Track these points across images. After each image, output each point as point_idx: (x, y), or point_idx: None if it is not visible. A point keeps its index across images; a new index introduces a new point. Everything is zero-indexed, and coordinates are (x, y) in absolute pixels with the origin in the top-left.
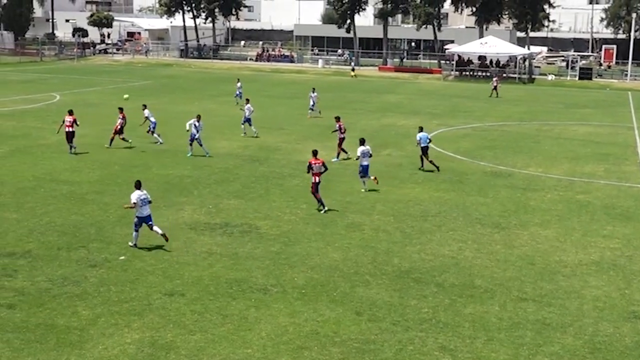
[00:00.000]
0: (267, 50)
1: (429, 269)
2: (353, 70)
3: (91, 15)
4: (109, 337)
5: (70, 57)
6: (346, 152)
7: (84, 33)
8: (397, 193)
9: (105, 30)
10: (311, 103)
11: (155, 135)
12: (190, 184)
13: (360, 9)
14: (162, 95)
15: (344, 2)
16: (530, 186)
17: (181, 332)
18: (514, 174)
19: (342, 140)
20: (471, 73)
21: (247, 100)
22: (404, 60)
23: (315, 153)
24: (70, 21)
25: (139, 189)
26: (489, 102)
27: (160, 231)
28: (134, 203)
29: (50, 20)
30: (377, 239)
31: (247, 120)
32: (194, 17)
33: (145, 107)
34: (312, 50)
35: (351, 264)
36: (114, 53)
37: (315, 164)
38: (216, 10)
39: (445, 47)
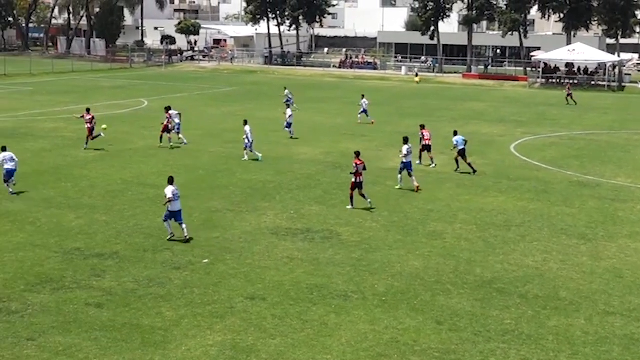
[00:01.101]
0: (351, 57)
1: (512, 279)
2: (417, 75)
3: (179, 23)
4: (191, 339)
5: (159, 64)
6: (432, 160)
7: (172, 40)
8: (479, 202)
9: (192, 38)
10: (361, 109)
11: (180, 136)
12: (272, 189)
13: (445, 16)
14: (246, 102)
15: (428, 9)
16: (618, 197)
17: (262, 336)
18: (601, 184)
19: (424, 147)
20: (558, 81)
21: (288, 106)
22: (489, 67)
23: (357, 154)
24: (159, 29)
25: (171, 184)
26: (576, 111)
27: (186, 233)
28: (169, 198)
29: (140, 28)
30: (459, 248)
31: (289, 125)
32: (279, 25)
33: (169, 108)
34: (396, 57)
35: (432, 272)
36: (201, 60)
37: (359, 164)
38: (300, 17)
39: (532, 54)
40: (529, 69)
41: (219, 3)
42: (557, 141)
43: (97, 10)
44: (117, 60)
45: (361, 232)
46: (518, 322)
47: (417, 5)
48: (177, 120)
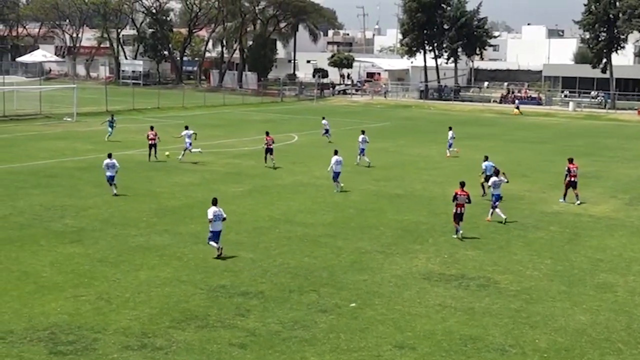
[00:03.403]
0: (513, 92)
1: None
2: (517, 108)
3: (332, 56)
4: None
5: (310, 98)
6: (577, 197)
7: (324, 74)
8: None
9: (345, 71)
10: (450, 143)
11: (183, 152)
12: (425, 230)
13: (619, 47)
14: (398, 137)
15: (600, 39)
16: None
17: None
18: None
19: (570, 183)
20: None
21: (363, 132)
22: None
23: (462, 185)
24: (311, 62)
25: (214, 205)
26: None
27: (220, 252)
28: (210, 219)
29: (292, 61)
30: (633, 303)
31: (362, 151)
32: (436, 57)
33: (186, 127)
34: (562, 91)
35: (601, 328)
36: (353, 94)
37: (460, 195)
38: (459, 49)
39: None
40: None
41: (373, 35)
42: None
43: (250, 43)
44: (268, 94)
45: (521, 280)
46: None
47: (587, 36)
48: (188, 140)
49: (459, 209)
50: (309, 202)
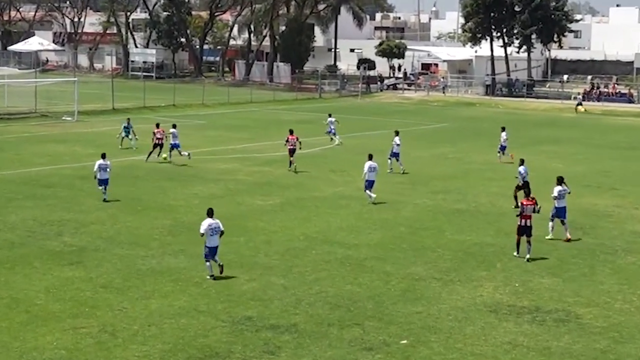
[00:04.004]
0: (598, 87)
1: None
2: (580, 104)
3: (380, 44)
4: None
5: (353, 94)
6: None
7: (371, 65)
8: None
9: (395, 62)
10: (501, 145)
11: (170, 153)
12: (492, 254)
13: None
14: (459, 141)
15: None
16: None
17: None
18: None
19: None
20: None
21: (397, 133)
22: None
23: (527, 193)
24: (356, 51)
25: (210, 216)
26: None
27: (220, 270)
28: (203, 233)
29: (333, 50)
30: None
31: (395, 155)
32: (505, 45)
33: (174, 126)
34: None
35: None
36: (405, 89)
37: (527, 205)
38: (533, 36)
39: None
40: None
41: (429, 19)
42: None
43: (283, 28)
44: (304, 89)
45: (608, 315)
46: None
47: None
48: (172, 140)
49: (524, 220)
50: (352, 218)
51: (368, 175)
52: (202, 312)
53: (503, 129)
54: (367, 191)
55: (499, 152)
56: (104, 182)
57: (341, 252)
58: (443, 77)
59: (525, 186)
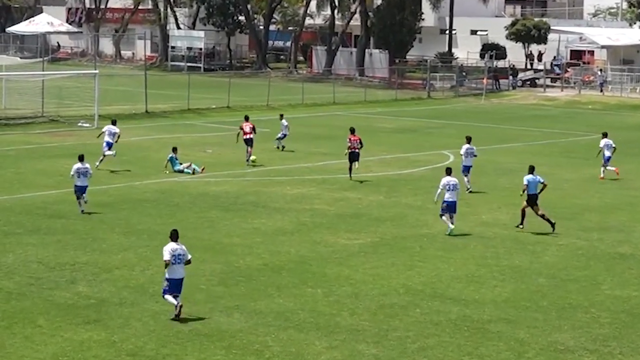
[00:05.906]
0: None
1: None
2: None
3: (512, 24)
4: None
5: (476, 93)
6: None
7: (500, 53)
8: None
9: (534, 48)
10: (607, 157)
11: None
12: None
13: None
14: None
15: None
16: None
17: None
18: None
19: None
20: None
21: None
22: None
23: None
24: (479, 33)
25: (174, 240)
26: None
27: (177, 311)
28: (167, 261)
29: (448, 33)
30: None
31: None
32: None
33: (113, 122)
34: None
35: None
36: (547, 86)
37: None
38: None
39: None
40: None
41: None
42: None
43: (379, 2)
44: (407, 85)
45: None
46: None
47: None
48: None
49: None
50: (472, 264)
51: (447, 194)
52: None
53: (604, 135)
54: (442, 216)
55: (604, 164)
56: (81, 190)
57: (456, 311)
58: (601, 70)
59: (531, 201)
